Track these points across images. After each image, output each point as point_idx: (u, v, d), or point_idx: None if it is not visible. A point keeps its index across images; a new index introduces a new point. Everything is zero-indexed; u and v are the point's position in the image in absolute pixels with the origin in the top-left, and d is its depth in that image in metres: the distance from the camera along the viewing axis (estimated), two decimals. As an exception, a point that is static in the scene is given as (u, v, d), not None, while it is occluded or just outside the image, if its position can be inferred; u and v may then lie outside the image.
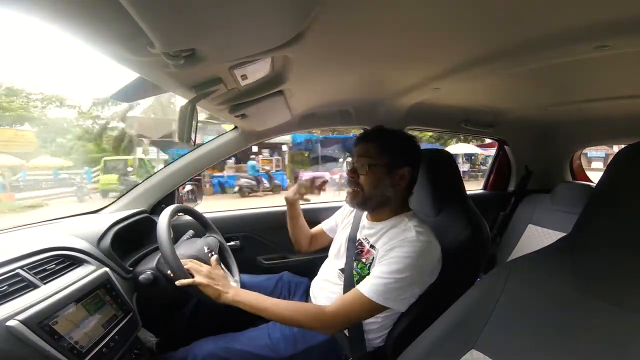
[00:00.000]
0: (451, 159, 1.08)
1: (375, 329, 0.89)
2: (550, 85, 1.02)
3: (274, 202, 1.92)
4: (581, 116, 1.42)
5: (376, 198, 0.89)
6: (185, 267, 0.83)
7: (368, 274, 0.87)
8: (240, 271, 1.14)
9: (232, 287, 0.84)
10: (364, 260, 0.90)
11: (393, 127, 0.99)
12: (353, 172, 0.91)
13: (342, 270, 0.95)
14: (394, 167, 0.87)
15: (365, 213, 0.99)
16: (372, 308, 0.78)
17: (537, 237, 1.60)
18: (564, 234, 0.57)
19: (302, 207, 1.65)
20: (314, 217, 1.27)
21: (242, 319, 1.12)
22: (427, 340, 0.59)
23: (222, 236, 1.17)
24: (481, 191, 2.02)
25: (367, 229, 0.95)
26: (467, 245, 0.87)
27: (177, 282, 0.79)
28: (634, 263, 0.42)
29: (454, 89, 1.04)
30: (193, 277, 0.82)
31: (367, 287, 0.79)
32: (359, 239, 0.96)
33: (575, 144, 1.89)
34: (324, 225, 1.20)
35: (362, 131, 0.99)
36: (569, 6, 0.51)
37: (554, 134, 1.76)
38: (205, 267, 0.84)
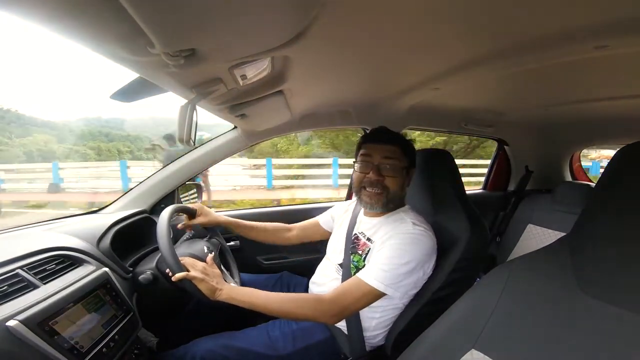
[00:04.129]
0: (451, 158, 1.08)
1: (374, 326, 0.90)
2: (550, 85, 1.02)
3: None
4: (581, 116, 1.42)
5: (398, 198, 0.92)
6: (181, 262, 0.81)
7: (364, 265, 0.88)
8: (240, 271, 1.14)
9: (227, 285, 0.83)
10: (359, 252, 0.92)
11: (393, 127, 1.00)
12: (379, 174, 0.89)
13: (340, 265, 0.97)
14: (410, 168, 0.93)
15: (363, 209, 1.01)
16: (370, 294, 0.79)
17: (537, 237, 1.60)
18: (564, 234, 0.57)
19: (298, 206, 1.65)
20: (309, 217, 1.27)
21: (241, 318, 1.12)
22: (427, 340, 0.59)
23: (222, 237, 1.17)
24: (481, 191, 2.02)
25: (365, 223, 0.98)
26: (466, 245, 0.87)
27: (173, 277, 0.78)
28: (635, 263, 0.42)
29: (454, 89, 1.04)
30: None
31: (365, 273, 0.80)
32: (355, 234, 0.98)
33: (575, 144, 1.89)
34: (320, 219, 1.21)
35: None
36: (569, 6, 0.51)
37: (554, 134, 1.76)
38: (200, 264, 0.83)
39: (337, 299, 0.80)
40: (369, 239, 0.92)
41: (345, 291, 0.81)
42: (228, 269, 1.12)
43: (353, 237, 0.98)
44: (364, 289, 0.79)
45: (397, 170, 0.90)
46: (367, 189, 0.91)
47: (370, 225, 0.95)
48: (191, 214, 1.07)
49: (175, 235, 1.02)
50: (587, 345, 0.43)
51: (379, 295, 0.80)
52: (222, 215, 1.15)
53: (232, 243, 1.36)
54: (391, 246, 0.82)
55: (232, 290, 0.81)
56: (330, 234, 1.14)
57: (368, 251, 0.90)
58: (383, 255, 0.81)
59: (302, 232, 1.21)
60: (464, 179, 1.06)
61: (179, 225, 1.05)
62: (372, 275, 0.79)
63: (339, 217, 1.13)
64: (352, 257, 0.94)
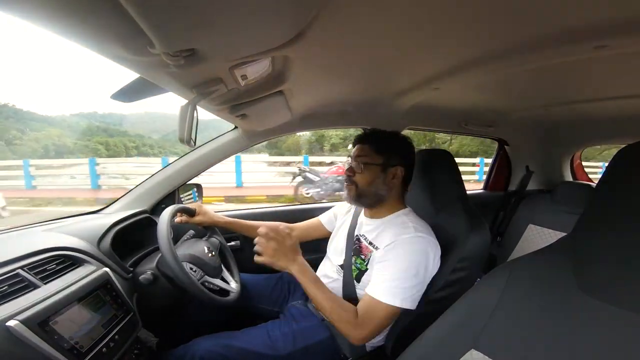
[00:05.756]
0: (451, 158, 1.08)
1: None
2: (550, 85, 1.02)
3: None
4: (581, 116, 1.42)
5: (370, 194, 0.92)
6: (256, 244, 0.83)
7: (366, 269, 0.89)
8: (241, 271, 1.15)
9: (299, 261, 0.85)
10: (362, 256, 0.92)
11: (393, 127, 1.00)
12: (350, 171, 0.95)
13: (341, 266, 0.97)
14: (387, 166, 0.91)
15: (363, 210, 1.02)
16: (390, 312, 0.79)
17: (537, 237, 1.60)
18: (564, 234, 0.57)
19: (298, 206, 1.65)
20: (308, 217, 1.27)
21: (241, 318, 1.12)
22: (427, 340, 0.59)
23: (222, 237, 1.17)
24: (481, 191, 2.02)
25: (366, 225, 0.98)
26: (467, 246, 0.87)
27: (256, 258, 0.82)
28: (636, 263, 0.42)
29: (453, 89, 1.04)
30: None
31: (379, 292, 0.79)
32: (357, 235, 0.98)
33: (576, 144, 1.89)
34: (322, 218, 1.22)
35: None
36: (569, 6, 0.51)
37: (554, 134, 1.76)
38: (271, 244, 0.83)
39: (363, 325, 0.79)
40: (370, 243, 0.92)
41: (368, 314, 0.79)
42: (228, 268, 1.12)
43: (354, 239, 0.98)
44: (385, 309, 0.78)
45: (366, 167, 0.91)
46: (344, 183, 0.97)
47: (371, 228, 0.95)
48: (190, 213, 1.07)
49: (176, 236, 1.03)
50: (587, 346, 0.42)
51: (398, 310, 0.80)
52: (221, 215, 1.15)
53: (232, 243, 1.36)
54: (398, 258, 0.81)
55: (302, 267, 0.84)
56: (331, 233, 1.14)
57: (371, 256, 0.90)
58: (394, 271, 0.80)
59: (303, 231, 1.21)
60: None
61: (177, 220, 1.06)
62: (391, 294, 0.78)
63: (341, 216, 1.13)
64: (354, 259, 0.94)
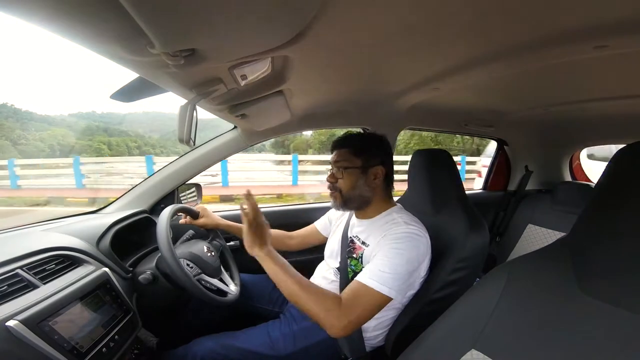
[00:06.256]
0: (450, 158, 1.08)
1: (373, 327, 0.90)
2: (550, 85, 1.02)
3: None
4: (581, 116, 1.42)
5: (355, 198, 0.92)
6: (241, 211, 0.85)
7: (362, 268, 0.88)
8: (240, 271, 1.15)
9: (269, 248, 0.83)
10: (355, 256, 0.92)
11: (393, 127, 1.00)
12: (332, 177, 0.95)
13: (338, 269, 0.97)
14: (367, 167, 0.91)
15: (354, 212, 1.02)
16: (378, 300, 0.74)
17: (537, 237, 1.60)
18: (563, 234, 0.57)
19: (299, 206, 1.65)
20: (307, 216, 1.27)
21: (241, 318, 1.12)
22: (427, 340, 0.59)
23: (222, 238, 1.18)
24: (481, 191, 2.02)
25: (357, 226, 0.98)
26: (466, 245, 0.87)
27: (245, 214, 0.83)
28: (635, 263, 0.42)
29: (454, 89, 1.03)
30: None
31: (369, 278, 0.75)
32: (350, 237, 0.98)
33: (575, 144, 1.89)
34: (317, 225, 1.23)
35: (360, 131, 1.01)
36: (569, 6, 0.51)
37: (554, 134, 1.76)
38: (259, 220, 0.85)
39: (347, 311, 0.72)
40: (363, 243, 0.92)
41: (351, 300, 0.74)
42: (227, 269, 1.12)
43: (349, 241, 0.98)
44: (372, 295, 0.73)
45: (346, 171, 0.91)
46: (329, 191, 0.96)
47: (362, 228, 0.95)
48: (194, 215, 1.08)
49: (175, 235, 1.03)
50: (586, 346, 0.43)
51: (385, 299, 0.74)
52: (223, 219, 1.15)
53: (232, 243, 1.36)
54: (389, 249, 0.79)
55: (270, 254, 0.81)
56: (327, 238, 1.15)
57: (362, 254, 0.89)
58: (381, 260, 0.78)
59: (302, 239, 1.23)
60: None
61: (180, 221, 1.07)
62: (374, 277, 0.75)
63: (336, 220, 1.13)
64: (349, 261, 0.94)
